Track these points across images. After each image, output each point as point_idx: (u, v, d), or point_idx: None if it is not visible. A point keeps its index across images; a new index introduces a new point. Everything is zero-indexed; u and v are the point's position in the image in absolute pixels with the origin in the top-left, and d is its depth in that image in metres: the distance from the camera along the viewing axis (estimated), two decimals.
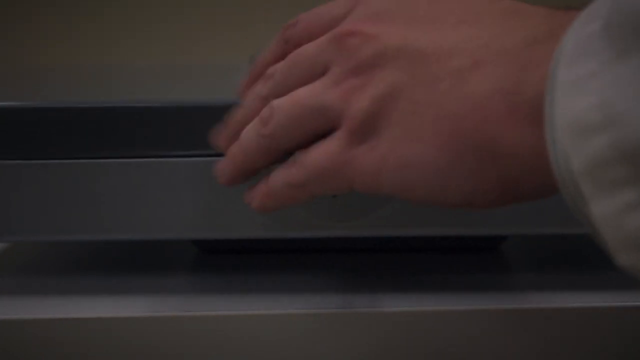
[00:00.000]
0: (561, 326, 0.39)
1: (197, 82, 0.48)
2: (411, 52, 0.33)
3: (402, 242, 0.47)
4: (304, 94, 0.35)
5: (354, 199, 0.41)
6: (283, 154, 0.37)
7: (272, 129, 0.36)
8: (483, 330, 0.39)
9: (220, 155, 0.40)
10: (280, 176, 0.37)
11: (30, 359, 0.39)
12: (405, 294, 0.41)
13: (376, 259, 0.47)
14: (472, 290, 0.42)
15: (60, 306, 0.41)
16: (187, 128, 0.40)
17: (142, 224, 0.41)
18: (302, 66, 0.36)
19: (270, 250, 0.47)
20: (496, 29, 0.32)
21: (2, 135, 0.41)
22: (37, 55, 0.86)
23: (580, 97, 0.27)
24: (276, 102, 0.36)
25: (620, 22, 0.27)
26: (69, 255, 0.49)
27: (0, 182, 0.41)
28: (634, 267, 0.27)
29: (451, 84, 0.32)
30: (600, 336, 0.39)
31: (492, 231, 0.42)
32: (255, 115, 0.37)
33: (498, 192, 0.32)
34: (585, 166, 0.27)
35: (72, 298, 0.42)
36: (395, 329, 0.39)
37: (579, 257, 0.47)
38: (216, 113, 0.40)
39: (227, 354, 0.39)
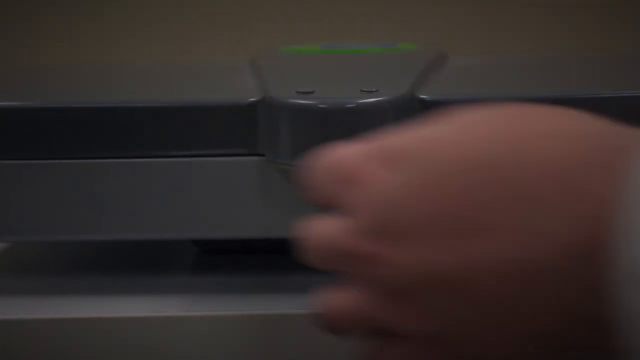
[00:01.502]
0: None
1: (197, 82, 0.48)
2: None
3: None
4: None
5: None
6: None
7: None
8: None
9: (220, 154, 0.40)
10: None
11: (30, 359, 0.39)
12: None
13: None
14: None
15: (60, 306, 0.41)
16: (186, 128, 0.40)
17: (142, 224, 0.41)
18: None
19: (270, 250, 0.47)
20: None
21: (2, 135, 0.41)
22: (37, 55, 0.86)
23: None
24: None
25: None
26: (69, 255, 0.49)
27: (0, 182, 0.41)
28: None
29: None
30: None
31: None
32: None
33: None
34: None
35: (72, 298, 0.42)
36: None
37: None
38: (216, 113, 0.40)
39: (227, 354, 0.39)
